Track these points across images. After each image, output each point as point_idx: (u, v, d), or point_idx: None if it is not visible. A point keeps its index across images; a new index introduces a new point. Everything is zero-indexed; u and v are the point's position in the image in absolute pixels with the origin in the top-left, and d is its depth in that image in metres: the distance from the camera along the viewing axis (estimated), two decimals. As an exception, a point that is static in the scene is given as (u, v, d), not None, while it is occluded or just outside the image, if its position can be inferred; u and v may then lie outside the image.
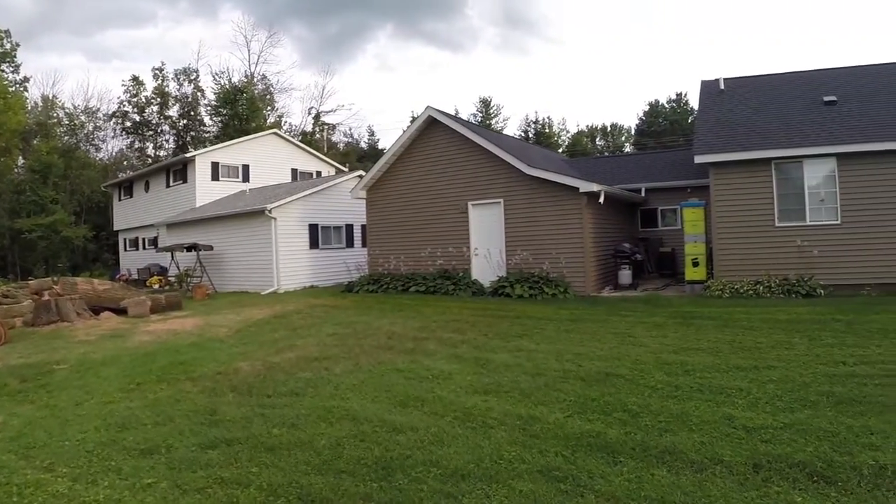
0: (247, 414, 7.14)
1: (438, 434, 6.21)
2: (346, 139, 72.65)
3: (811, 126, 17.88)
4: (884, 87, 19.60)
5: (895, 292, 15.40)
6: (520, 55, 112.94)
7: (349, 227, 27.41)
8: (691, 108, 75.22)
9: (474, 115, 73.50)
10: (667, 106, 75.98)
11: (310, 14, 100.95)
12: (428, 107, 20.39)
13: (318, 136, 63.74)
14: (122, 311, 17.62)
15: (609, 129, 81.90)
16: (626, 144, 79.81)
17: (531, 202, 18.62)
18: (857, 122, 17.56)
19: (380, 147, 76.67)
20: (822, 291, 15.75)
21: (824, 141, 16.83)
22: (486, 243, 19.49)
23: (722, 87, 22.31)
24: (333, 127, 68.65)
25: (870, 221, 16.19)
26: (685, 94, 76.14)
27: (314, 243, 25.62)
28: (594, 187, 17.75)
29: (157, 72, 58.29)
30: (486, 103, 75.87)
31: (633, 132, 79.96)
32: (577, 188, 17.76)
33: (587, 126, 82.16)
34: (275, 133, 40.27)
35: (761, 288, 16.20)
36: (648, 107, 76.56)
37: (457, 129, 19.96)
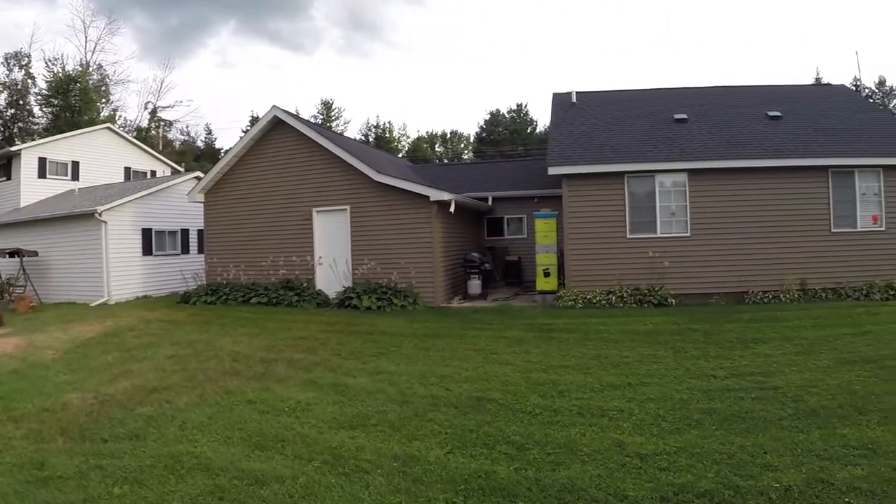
0: (81, 467, 5.86)
1: (308, 485, 5.34)
2: (183, 137, 68.84)
3: (663, 142, 18.71)
4: (730, 108, 21.19)
5: (741, 300, 16.61)
6: (362, 58, 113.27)
7: (185, 233, 25.36)
8: (531, 119, 78.07)
9: (315, 117, 71.91)
10: (507, 115, 77.69)
11: (152, 3, 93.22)
12: (273, 106, 19.12)
13: (153, 132, 59.37)
14: None
15: (449, 135, 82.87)
16: (466, 152, 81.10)
17: (379, 210, 17.93)
18: (707, 140, 18.63)
19: (217, 146, 74.01)
20: (673, 301, 16.46)
21: (676, 157, 17.65)
22: (332, 252, 18.53)
23: (574, 100, 22.93)
24: (170, 124, 64.56)
25: (717, 234, 17.22)
26: (525, 105, 78.86)
27: (148, 250, 23.38)
28: (445, 196, 17.39)
29: None
30: (327, 105, 74.62)
31: (472, 140, 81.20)
32: (428, 196, 17.32)
33: (427, 132, 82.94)
34: (108, 128, 36.37)
35: (613, 298, 16.60)
36: (490, 115, 78.24)
37: (303, 132, 18.83)
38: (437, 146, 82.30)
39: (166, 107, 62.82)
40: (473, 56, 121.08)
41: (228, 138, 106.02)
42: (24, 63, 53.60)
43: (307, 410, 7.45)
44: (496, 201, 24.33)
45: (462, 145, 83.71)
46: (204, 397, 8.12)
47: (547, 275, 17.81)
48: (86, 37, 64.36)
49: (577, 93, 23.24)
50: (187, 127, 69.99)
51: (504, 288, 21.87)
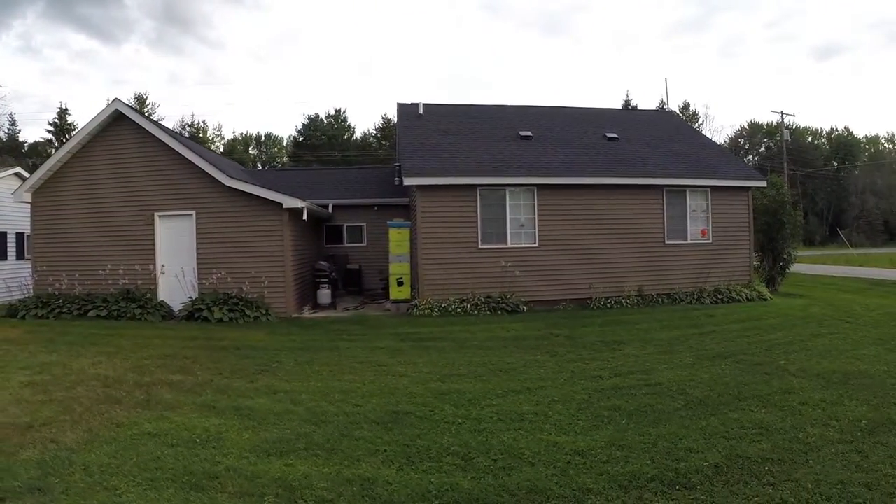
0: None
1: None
2: None
3: (512, 157, 19.89)
4: (569, 128, 23.17)
5: (586, 306, 18.24)
6: (174, 53, 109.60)
7: (3, 236, 22.48)
8: (349, 125, 78.12)
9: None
10: (325, 120, 77.64)
11: None
12: (115, 99, 17.50)
13: None
14: None
15: (264, 138, 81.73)
16: (280, 156, 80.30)
17: (229, 216, 17.29)
18: (553, 157, 20.22)
19: (21, 139, 68.03)
20: (524, 307, 17.60)
21: (525, 172, 18.88)
22: (177, 261, 17.50)
23: (421, 111, 23.53)
24: None
25: (563, 245, 18.87)
26: (344, 111, 79.48)
27: None
28: (298, 203, 17.22)
29: None
30: (140, 100, 70.25)
31: (288, 143, 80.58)
32: (281, 203, 17.02)
33: (241, 134, 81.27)
34: None
35: (468, 306, 17.39)
36: (308, 120, 77.90)
37: (147, 129, 17.54)
38: (251, 148, 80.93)
39: None
40: (289, 58, 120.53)
41: (34, 131, 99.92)
42: None
43: (221, 439, 6.94)
44: (335, 209, 24.34)
45: (276, 149, 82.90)
46: (94, 433, 7.12)
47: (401, 284, 18.17)
48: None
49: (423, 104, 23.90)
50: None
51: (348, 297, 21.94)
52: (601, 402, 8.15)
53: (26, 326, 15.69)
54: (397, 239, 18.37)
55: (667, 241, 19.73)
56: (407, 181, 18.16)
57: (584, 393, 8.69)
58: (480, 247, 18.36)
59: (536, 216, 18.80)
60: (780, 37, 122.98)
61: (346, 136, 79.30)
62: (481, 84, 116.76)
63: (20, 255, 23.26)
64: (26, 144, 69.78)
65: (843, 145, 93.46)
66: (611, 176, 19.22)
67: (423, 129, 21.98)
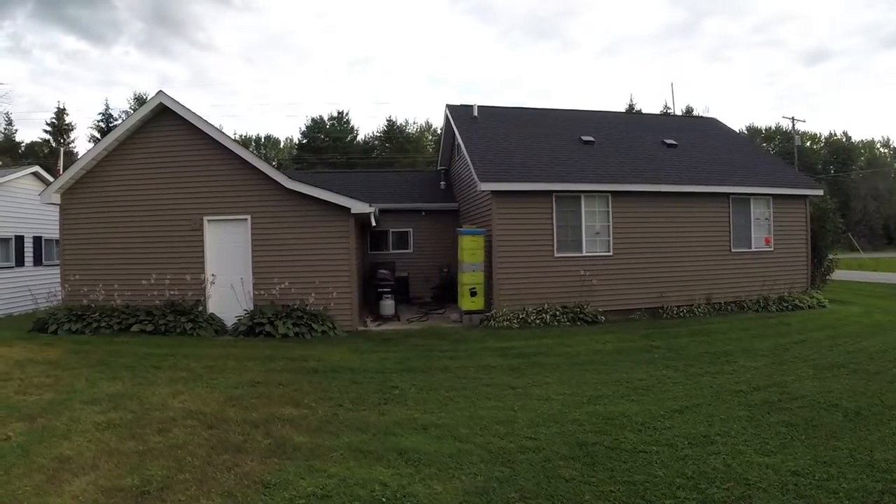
0: None
1: None
2: None
3: (582, 163, 19.26)
4: (626, 133, 22.86)
5: (658, 315, 17.84)
6: (163, 55, 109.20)
7: (20, 241, 21.10)
8: (352, 127, 77.63)
9: (127, 113, 67.39)
10: (328, 123, 77.09)
11: None
12: (160, 92, 16.13)
13: None
14: None
15: (264, 140, 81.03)
16: (281, 158, 79.48)
17: (289, 222, 16.01)
18: (620, 163, 19.70)
19: (17, 140, 67.70)
20: (602, 318, 16.92)
21: (599, 178, 18.18)
22: (229, 269, 16.16)
23: (475, 114, 22.71)
24: None
25: (636, 253, 18.32)
26: (346, 113, 78.29)
27: None
28: (366, 208, 15.98)
29: None
30: (140, 101, 69.21)
31: (283, 145, 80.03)
32: (348, 208, 15.78)
33: (241, 136, 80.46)
34: None
35: (547, 316, 16.55)
36: (311, 122, 77.31)
37: (196, 125, 16.15)
38: (251, 149, 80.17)
39: None
40: (280, 61, 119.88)
41: (28, 132, 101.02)
42: None
43: (411, 496, 5.63)
44: (381, 214, 23.08)
45: (275, 151, 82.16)
46: (239, 499, 5.67)
47: (474, 294, 17.02)
48: None
49: (478, 106, 23.14)
50: None
51: (401, 306, 20.77)
52: (767, 418, 7.91)
53: (64, 344, 14.14)
54: (470, 247, 17.14)
55: (733, 249, 19.48)
56: (483, 186, 17.14)
57: (741, 409, 8.40)
58: (556, 255, 17.57)
59: (611, 223, 18.14)
60: (768, 42, 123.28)
61: (348, 139, 78.51)
62: (471, 87, 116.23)
63: (37, 261, 22.00)
64: (23, 145, 69.19)
65: (842, 150, 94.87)
66: (682, 183, 18.87)
67: (482, 132, 21.12)
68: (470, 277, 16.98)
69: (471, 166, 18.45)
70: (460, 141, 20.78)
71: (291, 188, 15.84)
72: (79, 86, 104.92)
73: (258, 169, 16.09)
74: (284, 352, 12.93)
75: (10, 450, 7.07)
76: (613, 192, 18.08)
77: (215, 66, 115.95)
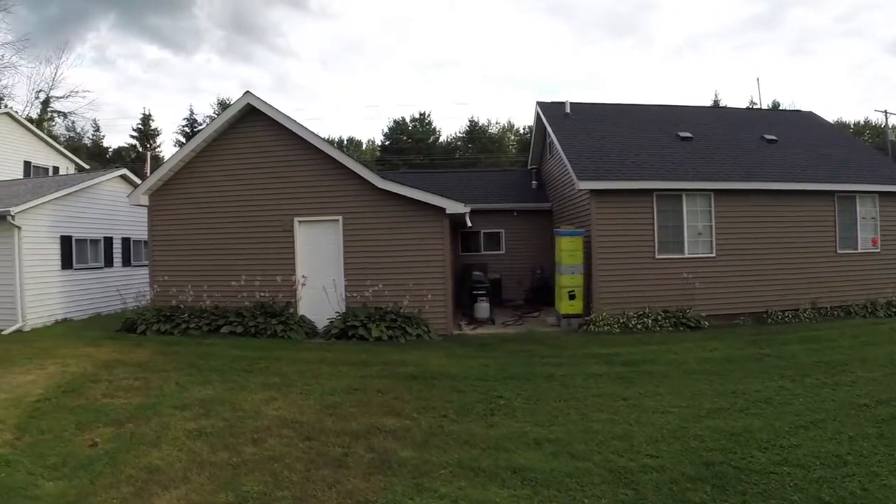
0: None
1: None
2: (69, 133, 62.45)
3: (681, 160, 18.45)
4: (722, 128, 21.86)
5: (763, 320, 16.86)
6: (244, 61, 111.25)
7: (108, 241, 21.65)
8: (434, 129, 77.26)
9: (211, 117, 68.74)
10: (410, 124, 77.07)
11: None
12: (247, 93, 16.27)
13: (45, 124, 52.95)
14: None
15: (346, 142, 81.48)
16: (364, 159, 79.83)
17: (381, 222, 15.74)
18: (721, 160, 18.74)
19: (105, 145, 70.08)
20: (706, 323, 16.06)
21: (700, 176, 17.37)
22: (320, 271, 16.02)
23: (567, 110, 22.09)
24: (65, 115, 58.48)
25: (739, 254, 17.35)
26: (428, 114, 77.94)
27: (67, 262, 19.49)
28: (461, 208, 15.56)
29: None
30: (223, 105, 70.69)
31: (366, 147, 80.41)
32: (444, 208, 15.39)
33: (325, 138, 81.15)
34: (8, 114, 31.10)
35: (648, 321, 15.81)
36: (394, 123, 77.42)
37: (285, 125, 16.11)
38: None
39: (61, 97, 57.22)
40: (362, 64, 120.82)
41: (114, 138, 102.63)
42: None
43: None
44: (472, 214, 22.68)
45: (358, 153, 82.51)
46: None
47: (572, 297, 16.38)
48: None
49: (570, 103, 22.49)
50: (73, 123, 63.66)
51: (494, 309, 20.23)
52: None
53: (153, 346, 14.22)
54: (569, 248, 16.49)
55: (838, 251, 18.23)
56: (582, 185, 16.52)
57: (869, 425, 7.65)
58: (657, 257, 16.77)
59: (713, 223, 17.22)
60: (852, 31, 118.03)
61: (431, 140, 78.33)
62: (551, 86, 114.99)
63: (126, 262, 22.50)
64: (111, 150, 71.37)
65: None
66: (786, 181, 17.78)
67: (575, 129, 20.48)
68: (568, 280, 16.36)
69: (567, 164, 17.90)
70: (554, 138, 20.20)
71: (384, 188, 15.59)
72: (163, 93, 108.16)
73: (349, 168, 15.88)
74: (379, 356, 12.59)
75: (97, 457, 6.95)
76: (716, 191, 17.17)
77: (296, 71, 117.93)
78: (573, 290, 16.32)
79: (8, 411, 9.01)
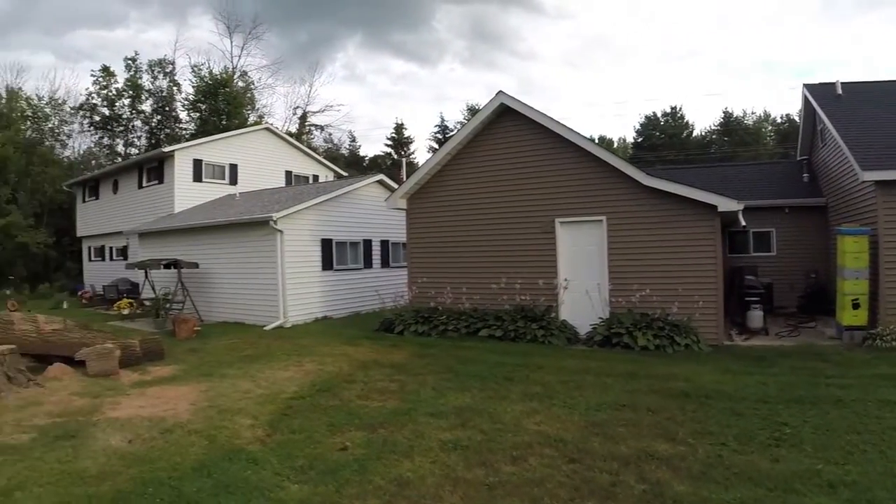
0: None
1: None
2: (327, 145, 68.81)
3: None
4: None
5: None
6: (489, 69, 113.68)
7: (367, 244, 23.43)
8: (687, 122, 74.62)
9: (461, 123, 70.71)
10: (662, 120, 75.09)
11: (279, 22, 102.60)
12: (500, 92, 16.51)
13: (304, 137, 59.87)
14: (79, 362, 12.88)
15: (597, 141, 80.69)
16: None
17: (646, 222, 14.99)
18: None
19: (361, 154, 76.06)
20: None
21: None
22: (581, 274, 15.69)
23: (839, 91, 19.82)
24: (322, 129, 65.79)
25: None
26: (679, 108, 75.48)
27: (328, 263, 21.52)
28: (734, 205, 14.39)
29: (129, 62, 53.36)
30: (472, 112, 72.47)
31: (622, 145, 79.30)
32: (715, 206, 14.28)
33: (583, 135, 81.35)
34: (267, 129, 35.78)
35: None
36: (645, 119, 75.66)
37: (542, 123, 15.95)
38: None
39: (317, 111, 64.08)
40: (605, 61, 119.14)
41: (370, 148, 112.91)
42: (168, 70, 55.30)
43: None
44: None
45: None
46: None
47: (856, 306, 14.50)
48: (231, 42, 65.01)
49: (840, 83, 20.09)
50: (330, 135, 70.19)
51: (766, 317, 18.64)
52: None
53: (410, 347, 14.72)
54: (853, 250, 14.68)
55: None
56: (867, 176, 14.61)
57: None
58: (964, 261, 14.25)
59: None
60: None
61: (684, 135, 75.75)
62: (805, 69, 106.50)
63: (384, 264, 24.02)
64: (367, 159, 77.13)
65: None
66: None
67: (851, 111, 18.26)
68: (852, 286, 14.58)
69: (846, 152, 16.03)
70: (827, 123, 18.17)
71: (649, 185, 14.89)
72: (413, 103, 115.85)
73: (612, 165, 15.42)
74: (646, 368, 12.06)
75: (347, 463, 7.11)
76: None
77: (539, 73, 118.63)
78: (857, 299, 14.50)
79: (262, 407, 9.72)
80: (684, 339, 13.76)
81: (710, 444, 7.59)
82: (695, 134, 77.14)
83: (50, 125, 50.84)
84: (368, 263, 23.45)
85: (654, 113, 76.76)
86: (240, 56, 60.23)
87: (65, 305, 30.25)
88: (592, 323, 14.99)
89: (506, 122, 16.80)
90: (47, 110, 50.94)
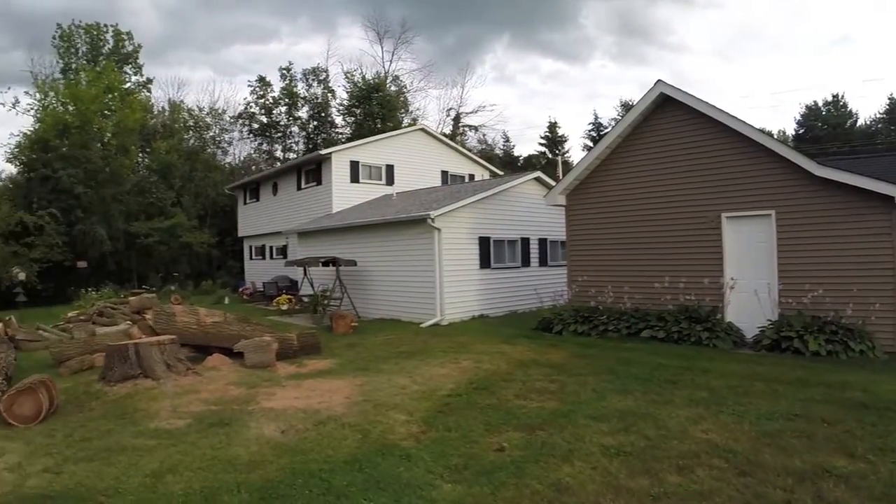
0: None
1: None
2: (481, 145, 69.36)
3: None
4: None
5: None
6: (640, 63, 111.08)
7: (525, 242, 23.32)
8: (850, 111, 70.63)
9: (615, 120, 69.57)
10: (824, 110, 71.38)
11: (426, 27, 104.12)
12: (659, 81, 15.95)
13: (458, 138, 61.27)
14: (237, 353, 13.64)
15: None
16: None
17: (818, 216, 13.83)
18: None
19: (515, 154, 75.85)
20: None
21: None
22: (748, 273, 14.81)
23: None
24: (475, 129, 66.86)
25: None
26: (842, 96, 71.16)
27: (485, 262, 21.67)
28: (919, 196, 12.91)
29: (284, 72, 57.63)
30: (626, 107, 71.15)
31: (781, 137, 75.91)
32: (893, 197, 12.89)
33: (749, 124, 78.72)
34: (422, 129, 36.68)
35: None
36: (806, 110, 71.84)
37: (705, 113, 15.26)
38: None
39: (470, 112, 65.43)
40: (758, 50, 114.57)
41: (524, 147, 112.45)
42: (321, 78, 58.97)
43: None
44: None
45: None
46: None
47: None
48: (381, 48, 66.21)
49: None
50: (484, 135, 70.78)
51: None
52: None
53: (569, 347, 14.45)
54: None
55: None
56: None
57: None
58: None
59: None
60: None
61: (847, 124, 71.72)
62: None
63: (542, 262, 23.83)
64: (521, 158, 76.61)
65: None
66: None
67: None
68: None
69: None
70: None
71: (821, 175, 13.72)
72: (564, 101, 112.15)
73: (781, 155, 14.45)
74: (818, 375, 11.18)
75: (503, 464, 6.98)
76: None
77: (692, 65, 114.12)
78: None
79: (418, 403, 9.78)
80: (859, 345, 12.63)
81: (893, 461, 6.90)
82: (859, 123, 72.87)
83: (211, 134, 55.54)
84: (526, 262, 23.37)
85: (814, 102, 72.58)
86: (391, 61, 62.63)
87: (226, 301, 32.40)
88: (760, 325, 14.05)
89: (665, 113, 16.21)
90: (208, 120, 55.62)
